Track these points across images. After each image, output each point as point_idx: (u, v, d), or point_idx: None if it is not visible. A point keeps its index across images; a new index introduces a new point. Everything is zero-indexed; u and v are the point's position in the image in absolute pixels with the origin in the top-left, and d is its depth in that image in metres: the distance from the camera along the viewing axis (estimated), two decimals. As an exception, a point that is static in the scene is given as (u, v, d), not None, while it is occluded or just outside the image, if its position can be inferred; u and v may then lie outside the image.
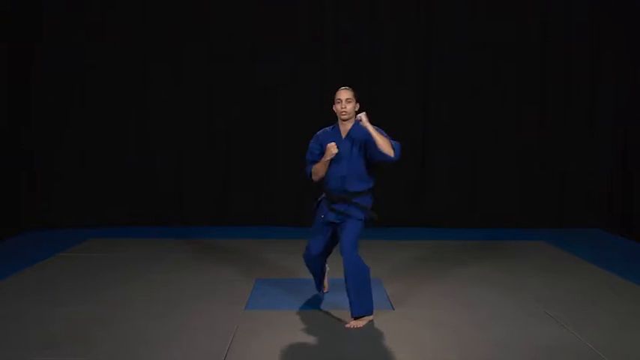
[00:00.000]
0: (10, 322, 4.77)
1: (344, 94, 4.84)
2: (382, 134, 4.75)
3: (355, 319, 4.77)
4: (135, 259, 6.76)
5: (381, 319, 4.90)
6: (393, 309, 5.17)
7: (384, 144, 4.65)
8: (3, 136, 7.77)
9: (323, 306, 5.26)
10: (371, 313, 4.84)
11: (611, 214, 8.62)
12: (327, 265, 5.50)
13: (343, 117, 4.85)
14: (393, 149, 4.70)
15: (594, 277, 6.22)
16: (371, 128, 4.63)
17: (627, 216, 8.40)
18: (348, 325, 4.75)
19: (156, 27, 8.42)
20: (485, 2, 8.57)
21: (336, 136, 4.90)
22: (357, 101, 4.89)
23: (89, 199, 8.40)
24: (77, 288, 5.66)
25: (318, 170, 4.91)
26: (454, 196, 8.65)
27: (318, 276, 5.45)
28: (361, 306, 4.77)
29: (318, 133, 5.05)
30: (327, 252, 5.23)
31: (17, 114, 8.04)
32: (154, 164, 8.52)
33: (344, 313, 5.03)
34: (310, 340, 4.49)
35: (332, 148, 4.75)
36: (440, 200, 8.66)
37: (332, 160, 4.84)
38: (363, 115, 4.66)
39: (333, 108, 4.90)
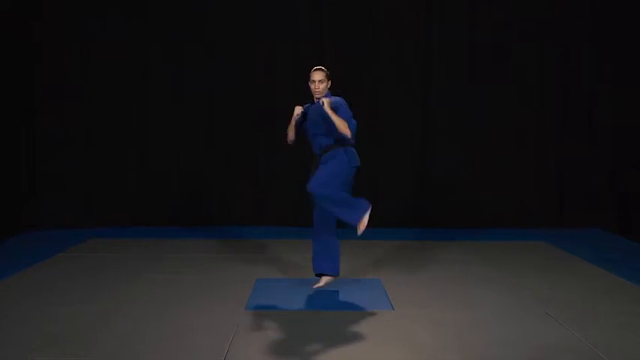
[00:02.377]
0: (10, 322, 4.77)
1: (317, 75, 5.61)
2: (342, 114, 5.39)
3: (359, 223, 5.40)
4: (135, 259, 6.76)
5: (381, 319, 4.91)
6: (393, 309, 5.17)
7: (341, 125, 5.32)
8: (3, 135, 7.77)
9: (323, 306, 5.26)
10: (366, 210, 5.43)
11: (611, 214, 8.62)
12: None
13: (316, 95, 5.60)
14: (349, 128, 5.38)
15: (594, 277, 6.22)
16: (330, 112, 5.30)
17: (627, 216, 8.40)
18: (359, 232, 5.42)
19: (156, 27, 8.42)
20: (485, 2, 8.57)
21: (311, 105, 5.69)
22: (329, 80, 5.65)
23: (89, 199, 8.41)
24: (77, 288, 5.66)
25: (289, 131, 5.69)
26: (454, 196, 8.65)
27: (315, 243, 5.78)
28: (348, 210, 5.38)
29: (304, 105, 5.78)
30: (324, 220, 5.66)
31: (17, 114, 8.04)
32: (154, 164, 8.52)
33: (344, 314, 5.04)
34: (310, 340, 4.48)
35: (296, 109, 5.60)
36: (440, 200, 8.66)
37: (309, 123, 5.62)
38: (325, 102, 5.34)
39: (309, 85, 5.62)
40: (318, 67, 5.71)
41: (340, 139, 5.46)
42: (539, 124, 8.67)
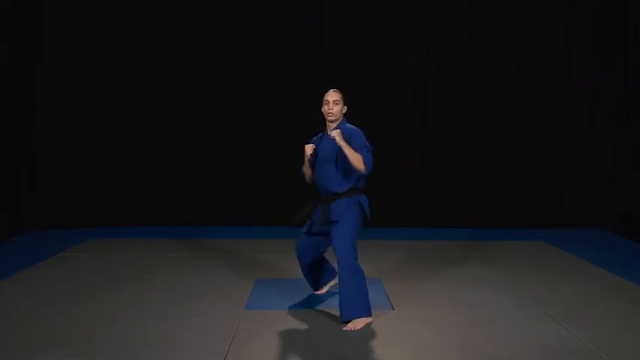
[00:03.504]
0: (10, 322, 4.77)
1: (332, 96, 4.99)
2: (356, 143, 4.83)
3: (344, 322, 4.78)
4: (135, 259, 6.75)
5: (381, 319, 4.90)
6: (393, 309, 5.17)
7: (355, 160, 4.75)
8: (3, 136, 7.77)
9: (323, 306, 5.26)
10: (368, 316, 4.83)
11: (611, 214, 8.62)
12: (333, 281, 5.54)
13: (329, 118, 4.99)
14: (364, 163, 4.79)
15: (594, 277, 6.22)
16: (343, 144, 4.74)
17: (627, 216, 8.40)
18: (345, 328, 4.74)
19: (156, 27, 8.43)
20: (486, 2, 8.57)
21: (321, 139, 5.10)
22: (345, 104, 5.02)
23: (89, 199, 8.41)
24: (77, 288, 5.66)
25: (305, 171, 5.16)
26: (454, 196, 8.65)
27: (308, 274, 5.45)
28: (352, 310, 4.77)
29: (313, 138, 5.21)
30: (312, 250, 5.22)
31: (18, 114, 8.04)
32: (154, 164, 8.53)
33: (344, 313, 5.05)
34: (310, 340, 4.49)
35: (307, 149, 4.98)
36: (440, 200, 8.66)
37: (317, 162, 5.02)
38: (335, 134, 4.78)
39: (322, 109, 5.03)
40: (333, 88, 5.10)
41: (356, 182, 4.98)
42: (540, 123, 8.67)
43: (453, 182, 8.66)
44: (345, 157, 4.79)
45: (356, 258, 4.86)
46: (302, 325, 4.77)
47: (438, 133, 8.64)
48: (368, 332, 4.64)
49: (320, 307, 5.24)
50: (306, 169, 5.14)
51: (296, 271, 6.26)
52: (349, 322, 4.76)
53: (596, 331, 4.65)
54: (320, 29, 8.51)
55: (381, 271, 6.30)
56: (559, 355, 4.23)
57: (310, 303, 5.34)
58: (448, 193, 8.66)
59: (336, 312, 5.07)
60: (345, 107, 5.04)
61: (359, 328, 4.73)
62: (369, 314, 4.83)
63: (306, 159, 5.04)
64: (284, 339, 4.48)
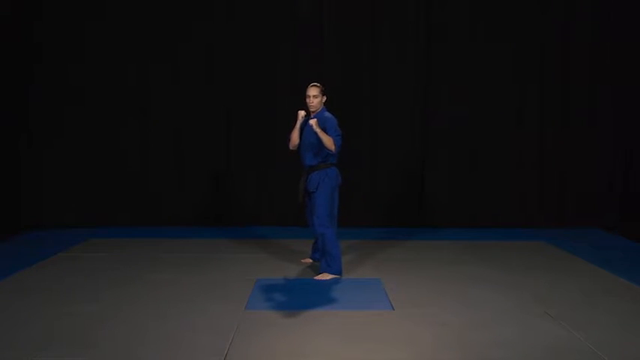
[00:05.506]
0: (10, 322, 4.77)
1: (312, 91, 6.03)
2: (329, 131, 5.85)
3: (321, 274, 6.02)
4: (135, 259, 6.75)
5: (381, 319, 4.91)
6: (393, 309, 5.17)
7: (327, 143, 5.80)
8: (3, 136, 7.78)
9: (323, 306, 5.26)
10: (337, 274, 6.02)
11: (611, 214, 8.62)
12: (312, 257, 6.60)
13: (311, 109, 6.03)
14: (335, 145, 5.85)
15: (594, 277, 6.23)
16: (319, 131, 5.76)
17: (627, 216, 8.40)
18: (315, 277, 5.99)
19: (155, 26, 8.42)
20: (485, 2, 8.57)
21: (306, 121, 6.06)
22: (323, 95, 6.05)
23: (89, 199, 8.41)
24: (77, 288, 5.66)
25: (293, 137, 6.09)
26: (454, 196, 8.65)
27: (314, 242, 6.44)
28: (327, 266, 6.00)
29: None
30: (309, 212, 6.16)
31: (17, 114, 8.04)
32: (154, 164, 8.52)
33: (344, 313, 5.04)
34: (310, 340, 4.49)
35: (300, 113, 6.02)
36: (440, 200, 8.66)
37: (301, 138, 6.03)
38: (313, 122, 5.78)
39: (306, 100, 6.03)
40: (313, 83, 6.08)
41: (325, 158, 5.93)
42: (540, 124, 8.66)
43: (452, 182, 8.65)
44: (319, 139, 5.78)
45: (330, 222, 5.93)
46: (302, 325, 4.77)
47: (438, 132, 8.63)
48: (368, 332, 4.64)
49: (320, 307, 5.24)
50: (294, 135, 6.05)
51: (296, 271, 6.28)
52: (321, 274, 6.02)
53: (596, 331, 4.65)
54: (320, 29, 8.49)
55: (381, 271, 6.30)
56: (559, 355, 4.23)
57: (310, 303, 5.33)
58: (448, 194, 8.66)
59: (336, 312, 5.08)
60: (325, 97, 6.05)
61: (326, 279, 5.93)
62: (335, 272, 6.00)
63: (297, 122, 6.00)
64: (284, 339, 4.48)
